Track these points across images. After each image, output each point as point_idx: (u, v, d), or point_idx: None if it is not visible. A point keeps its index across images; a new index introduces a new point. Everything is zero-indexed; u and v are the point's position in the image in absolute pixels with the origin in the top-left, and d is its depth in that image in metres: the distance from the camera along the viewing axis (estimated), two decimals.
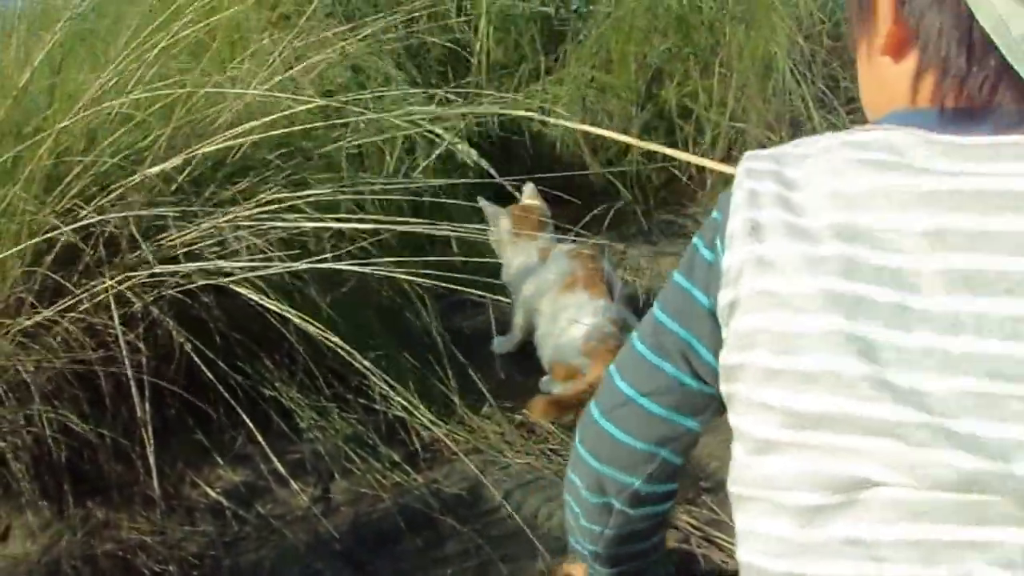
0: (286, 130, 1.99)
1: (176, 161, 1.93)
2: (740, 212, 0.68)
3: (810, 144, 0.69)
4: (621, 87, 3.40)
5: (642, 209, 3.18)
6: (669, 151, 2.57)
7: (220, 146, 1.92)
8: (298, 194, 1.92)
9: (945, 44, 0.64)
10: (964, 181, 0.61)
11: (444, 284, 2.07)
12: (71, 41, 2.12)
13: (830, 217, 0.64)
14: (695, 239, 0.76)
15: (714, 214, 0.73)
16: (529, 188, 2.73)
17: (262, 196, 2.01)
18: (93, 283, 1.92)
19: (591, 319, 2.29)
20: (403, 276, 1.94)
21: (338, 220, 1.93)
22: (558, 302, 2.36)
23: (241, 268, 1.95)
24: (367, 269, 1.87)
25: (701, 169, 3.30)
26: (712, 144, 3.30)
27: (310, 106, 1.99)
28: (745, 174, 0.70)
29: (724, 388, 0.71)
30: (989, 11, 0.60)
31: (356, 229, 1.95)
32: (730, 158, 3.32)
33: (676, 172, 3.31)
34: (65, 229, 1.83)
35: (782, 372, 0.64)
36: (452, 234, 1.98)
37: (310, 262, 1.91)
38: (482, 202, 2.63)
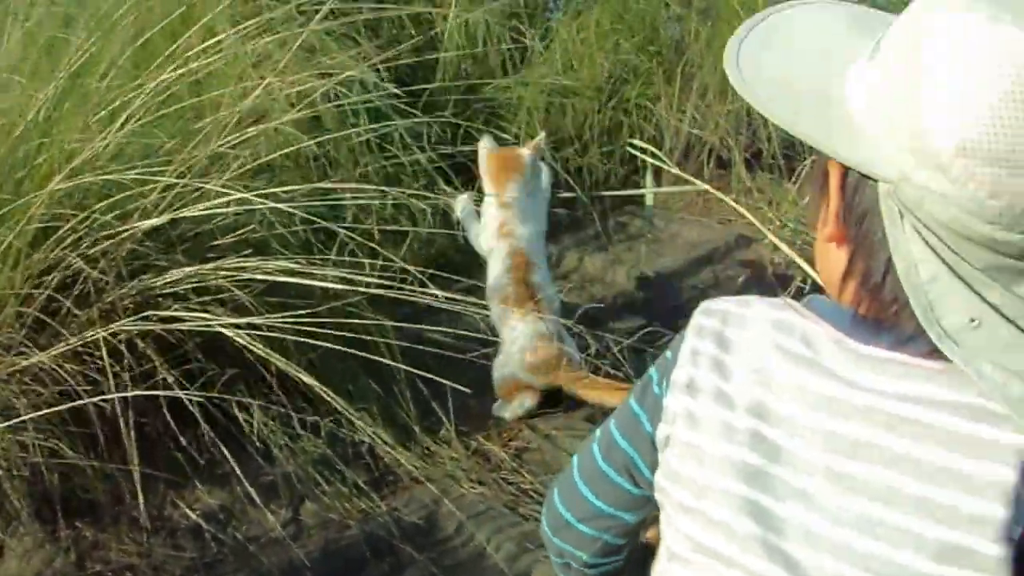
0: (269, 205, 2.16)
1: (164, 219, 2.11)
2: (684, 367, 0.86)
3: (752, 306, 0.86)
4: (585, 87, 3.56)
5: (599, 211, 3.38)
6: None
7: (203, 212, 2.10)
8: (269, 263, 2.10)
9: (870, 260, 0.77)
10: (857, 394, 0.77)
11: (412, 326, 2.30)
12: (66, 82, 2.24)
13: (749, 392, 0.81)
14: (652, 371, 0.94)
15: (668, 354, 0.91)
16: (539, 137, 2.89)
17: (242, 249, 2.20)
18: (85, 333, 2.11)
19: (527, 337, 2.54)
20: (373, 346, 2.14)
21: (310, 277, 2.13)
22: (501, 319, 2.60)
23: (219, 318, 2.14)
24: (342, 332, 2.07)
25: (658, 171, 3.49)
26: (671, 149, 3.48)
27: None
28: (694, 331, 0.87)
29: (657, 496, 0.91)
30: (905, 253, 0.73)
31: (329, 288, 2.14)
32: (688, 162, 3.53)
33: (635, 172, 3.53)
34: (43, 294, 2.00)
35: (695, 511, 0.84)
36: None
37: (285, 318, 2.10)
38: (483, 140, 2.83)
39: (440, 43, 3.55)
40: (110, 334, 2.17)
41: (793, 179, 3.50)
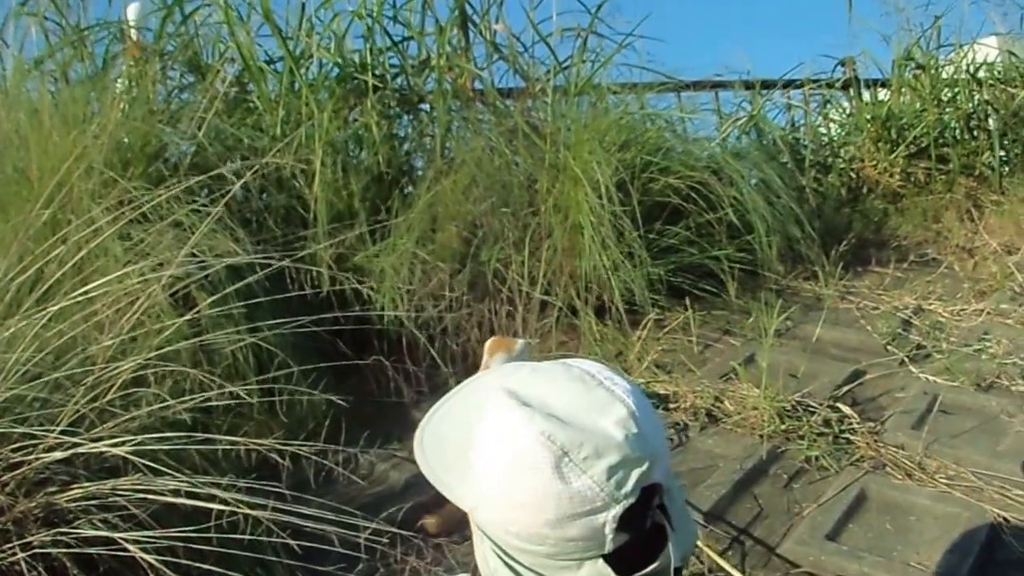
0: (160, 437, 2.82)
1: (67, 453, 2.75)
2: None
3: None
4: (442, 249, 4.25)
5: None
6: None
7: (102, 449, 2.75)
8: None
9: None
10: None
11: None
12: None
13: None
14: None
15: None
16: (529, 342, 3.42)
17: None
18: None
19: None
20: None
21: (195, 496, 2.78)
22: None
23: (118, 533, 2.77)
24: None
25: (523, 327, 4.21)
26: (525, 313, 4.21)
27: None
28: None
29: None
30: (483, 551, 1.25)
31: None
32: (543, 320, 4.26)
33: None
34: None
35: None
36: None
37: (177, 534, 2.74)
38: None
39: (309, 215, 4.24)
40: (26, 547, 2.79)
41: (638, 328, 4.29)
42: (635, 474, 1.16)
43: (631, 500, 1.16)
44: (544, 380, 1.24)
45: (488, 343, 3.29)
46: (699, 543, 3.00)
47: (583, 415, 1.18)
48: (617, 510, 1.15)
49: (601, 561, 1.18)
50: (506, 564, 1.22)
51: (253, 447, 3.01)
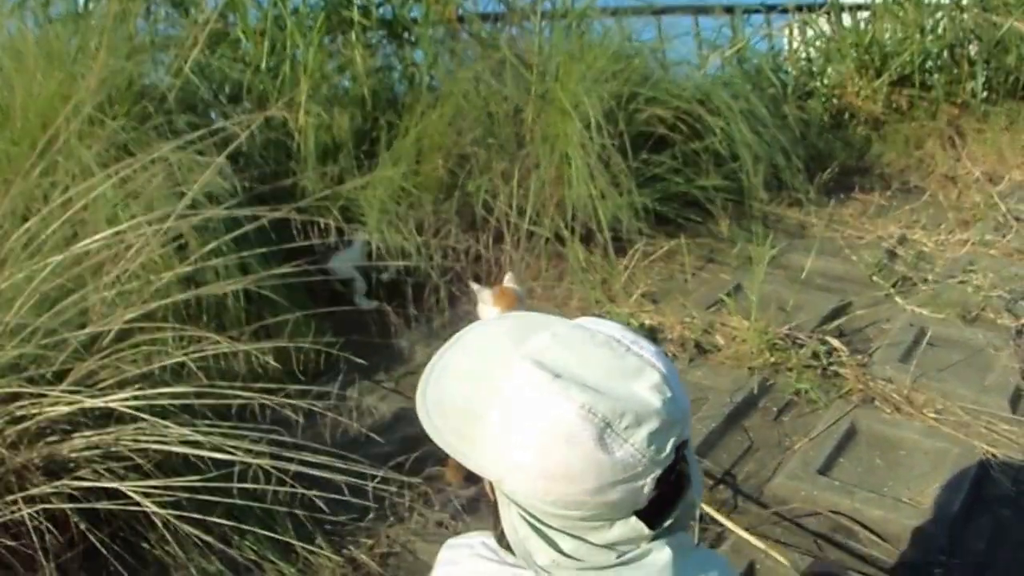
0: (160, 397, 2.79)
1: (74, 408, 2.72)
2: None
3: (472, 537, 1.39)
4: (428, 180, 4.20)
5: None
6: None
7: (105, 405, 2.72)
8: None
9: (501, 521, 1.27)
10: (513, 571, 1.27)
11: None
12: None
13: None
14: None
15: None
16: (510, 275, 3.38)
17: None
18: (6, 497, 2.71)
19: None
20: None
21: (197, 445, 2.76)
22: None
23: (120, 483, 2.76)
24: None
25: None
26: (515, 246, 4.18)
27: None
28: (439, 561, 1.40)
29: None
30: (509, 518, 1.24)
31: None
32: (530, 250, 4.24)
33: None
34: None
35: None
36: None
37: (179, 482, 2.73)
38: (472, 284, 3.28)
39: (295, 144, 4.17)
40: (28, 499, 2.77)
41: (624, 257, 4.28)
42: (673, 437, 1.16)
43: (669, 462, 1.17)
44: (569, 348, 1.21)
45: (492, 295, 3.29)
46: None
47: (617, 383, 1.16)
48: (657, 472, 1.16)
49: (634, 518, 1.19)
50: (536, 531, 1.21)
51: (262, 397, 3.00)
